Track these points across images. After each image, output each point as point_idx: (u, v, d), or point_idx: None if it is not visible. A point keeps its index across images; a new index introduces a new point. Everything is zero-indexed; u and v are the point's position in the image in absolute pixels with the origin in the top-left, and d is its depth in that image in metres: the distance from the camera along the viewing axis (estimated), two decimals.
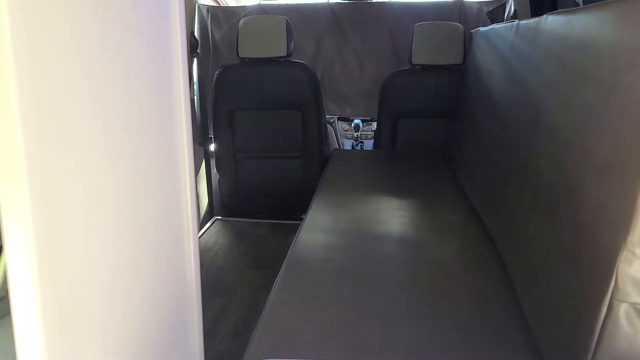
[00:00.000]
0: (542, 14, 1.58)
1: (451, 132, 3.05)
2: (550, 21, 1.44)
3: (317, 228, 2.00)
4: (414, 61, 3.19)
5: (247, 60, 3.22)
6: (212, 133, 3.42)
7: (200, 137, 3.40)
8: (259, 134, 3.35)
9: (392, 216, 2.10)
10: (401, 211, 2.17)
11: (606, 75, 1.00)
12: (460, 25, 3.21)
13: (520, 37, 1.79)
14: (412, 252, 1.76)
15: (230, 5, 3.85)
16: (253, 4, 3.90)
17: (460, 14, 3.69)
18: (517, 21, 1.88)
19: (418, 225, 2.02)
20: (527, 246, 1.39)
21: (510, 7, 3.15)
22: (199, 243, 3.12)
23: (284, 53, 3.15)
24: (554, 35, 1.39)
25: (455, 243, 1.84)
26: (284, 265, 1.68)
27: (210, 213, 3.57)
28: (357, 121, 4.21)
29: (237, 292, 2.45)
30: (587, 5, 1.25)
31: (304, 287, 1.55)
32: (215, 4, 3.85)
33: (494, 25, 2.40)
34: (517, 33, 1.84)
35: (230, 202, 3.54)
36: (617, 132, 0.91)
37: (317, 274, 1.61)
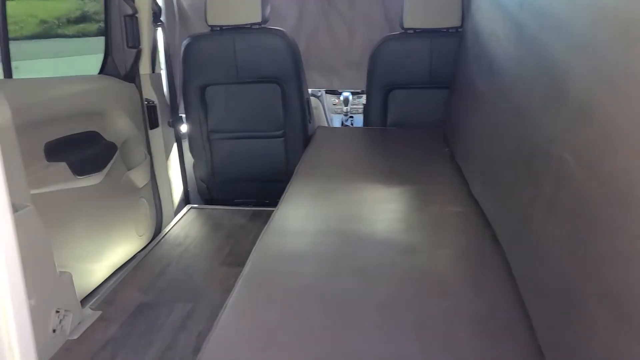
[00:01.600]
0: None
1: (448, 105, 2.70)
2: None
3: (286, 228, 1.68)
4: (406, 25, 2.82)
5: (218, 28, 2.85)
6: (184, 112, 3.08)
7: (169, 116, 3.05)
8: (235, 111, 3.01)
9: (378, 210, 1.78)
10: (389, 203, 1.84)
11: None
12: None
13: None
14: (399, 260, 1.44)
15: None
16: None
17: None
18: None
19: (408, 221, 1.70)
20: (545, 262, 1.06)
21: None
22: (170, 235, 2.84)
23: (258, 19, 2.79)
24: None
25: (452, 247, 1.52)
26: (239, 280, 1.36)
27: (185, 201, 3.25)
28: (346, 94, 3.86)
29: (205, 296, 2.15)
30: None
31: (258, 310, 1.24)
32: None
33: None
34: None
35: (207, 188, 3.22)
36: None
37: (275, 294, 1.30)
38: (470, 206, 1.76)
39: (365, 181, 2.09)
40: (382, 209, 1.78)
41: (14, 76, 2.27)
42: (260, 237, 1.61)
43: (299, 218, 1.76)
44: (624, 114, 0.80)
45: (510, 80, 1.54)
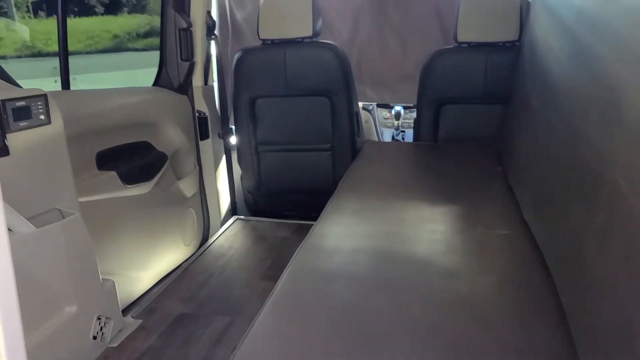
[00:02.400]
0: None
1: (503, 121, 2.58)
2: None
3: (323, 245, 1.63)
4: (460, 39, 2.73)
5: (269, 42, 2.87)
6: (233, 124, 3.11)
7: (220, 128, 3.10)
8: (283, 124, 3.01)
9: (420, 230, 1.70)
10: (432, 223, 1.75)
11: None
12: None
13: None
14: (438, 284, 1.36)
15: None
16: None
17: None
18: None
19: (451, 243, 1.61)
20: (598, 295, 0.97)
21: None
22: (215, 246, 2.86)
23: (309, 33, 2.78)
24: None
25: (497, 272, 1.42)
26: (270, 297, 1.33)
27: (231, 211, 3.28)
28: (398, 108, 3.78)
29: (243, 311, 2.13)
30: None
31: (285, 330, 1.20)
32: None
33: None
34: None
35: (253, 200, 3.23)
36: None
37: (304, 314, 1.25)
38: (520, 229, 1.65)
39: (410, 199, 2.02)
40: (424, 229, 1.70)
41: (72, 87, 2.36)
42: (295, 254, 1.58)
43: (337, 235, 1.71)
44: None
45: (565, 97, 1.44)
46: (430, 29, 3.37)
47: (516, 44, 2.65)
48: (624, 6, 1.06)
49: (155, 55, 2.83)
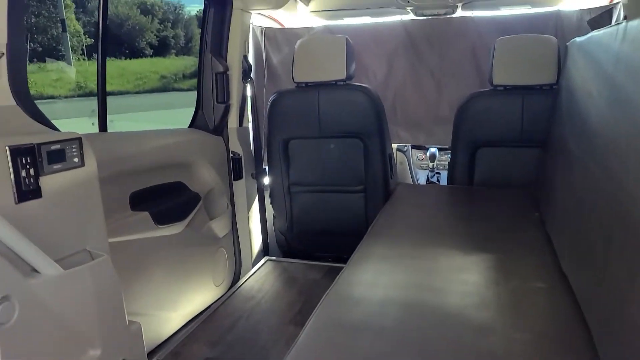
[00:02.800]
0: None
1: (541, 166, 2.50)
2: None
3: (349, 294, 1.58)
4: (495, 82, 2.69)
5: (303, 85, 2.90)
6: (267, 164, 3.13)
7: (253, 168, 3.12)
8: (316, 165, 3.00)
9: (451, 281, 1.63)
10: (465, 273, 1.68)
11: None
12: (553, 38, 2.66)
13: (629, 43, 1.28)
14: (469, 341, 1.28)
15: (293, 27, 3.58)
16: (319, 25, 3.59)
17: (557, 26, 3.09)
18: (624, 22, 1.36)
19: (484, 296, 1.53)
20: None
21: (619, 12, 2.56)
22: (245, 287, 2.83)
23: (342, 76, 2.80)
24: None
25: (532, 329, 1.33)
26: (292, 348, 1.28)
27: (263, 252, 3.26)
28: (433, 150, 3.73)
29: (270, 356, 2.08)
30: None
31: None
32: (277, 26, 3.59)
33: (594, 33, 1.87)
34: (625, 38, 1.33)
35: (285, 240, 3.21)
36: None
37: None
38: (558, 282, 1.56)
39: (441, 246, 1.95)
40: (456, 280, 1.63)
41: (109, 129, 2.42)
42: (321, 302, 1.53)
43: (365, 284, 1.66)
44: None
45: (604, 145, 1.37)
46: (466, 71, 3.34)
47: (554, 87, 2.58)
48: None
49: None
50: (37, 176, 1.47)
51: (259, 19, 3.38)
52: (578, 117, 1.75)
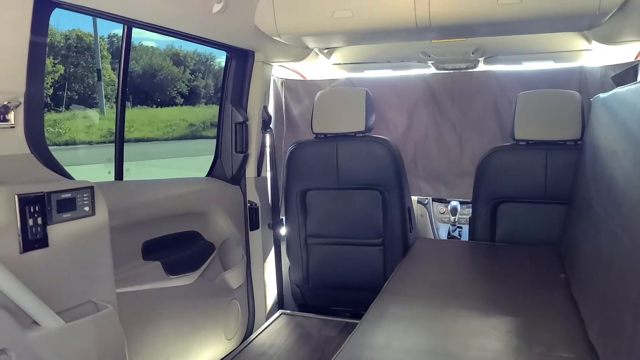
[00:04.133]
0: None
1: (566, 224, 2.40)
2: None
3: (360, 357, 1.49)
4: (517, 136, 2.64)
5: (322, 136, 2.90)
6: (284, 215, 3.10)
7: (270, 219, 3.09)
8: (334, 216, 2.95)
9: (469, 347, 1.53)
10: (483, 338, 1.58)
11: None
12: (576, 93, 2.62)
13: None
14: None
15: (315, 79, 3.62)
16: (340, 77, 3.63)
17: (580, 81, 3.05)
18: None
19: None
20: None
21: None
22: (257, 342, 2.74)
23: (362, 128, 2.79)
24: None
25: None
26: None
27: (278, 305, 3.18)
28: (454, 203, 3.65)
29: None
30: None
31: None
32: (299, 78, 3.64)
33: (618, 90, 1.81)
34: None
35: (301, 293, 3.13)
36: None
37: None
38: (584, 352, 1.44)
39: (460, 307, 1.85)
40: (474, 346, 1.53)
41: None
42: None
43: (377, 347, 1.57)
44: None
45: (631, 208, 1.29)
46: (488, 126, 3.30)
47: (578, 142, 2.52)
48: None
49: None
50: (44, 225, 1.46)
51: (280, 71, 3.44)
52: (603, 176, 1.68)
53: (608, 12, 2.09)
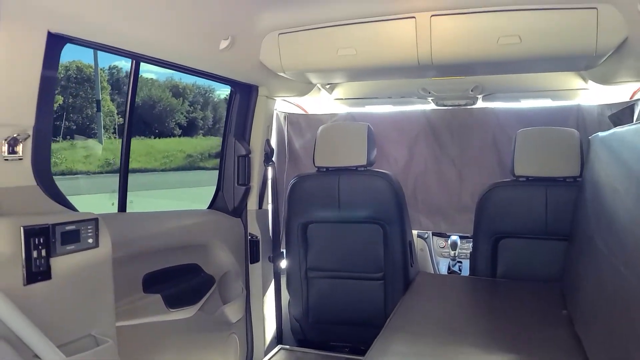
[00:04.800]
0: None
1: (567, 260, 2.40)
2: None
3: None
4: (517, 172, 2.67)
5: (324, 169, 2.92)
6: (285, 247, 3.09)
7: (271, 252, 3.08)
8: (335, 250, 2.95)
9: None
10: None
11: None
12: (575, 131, 2.66)
13: None
14: None
15: (317, 113, 3.67)
16: (342, 111, 3.69)
17: (578, 119, 3.11)
18: None
19: None
20: None
21: None
22: None
23: (363, 162, 2.82)
24: None
25: None
26: None
27: (277, 339, 3.14)
28: (454, 237, 3.66)
29: None
30: None
31: None
32: (301, 112, 3.69)
33: (617, 129, 1.85)
34: None
35: (300, 328, 3.09)
36: None
37: None
38: None
39: (463, 343, 1.84)
40: None
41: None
42: None
43: None
44: None
45: (634, 245, 1.31)
46: (487, 161, 3.34)
47: (577, 179, 2.55)
48: None
49: None
50: (48, 257, 1.46)
51: (283, 105, 3.49)
52: (604, 213, 1.70)
53: (604, 54, 2.15)
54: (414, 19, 2.26)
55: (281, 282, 3.15)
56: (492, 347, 1.81)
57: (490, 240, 2.72)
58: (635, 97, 2.88)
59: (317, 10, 2.28)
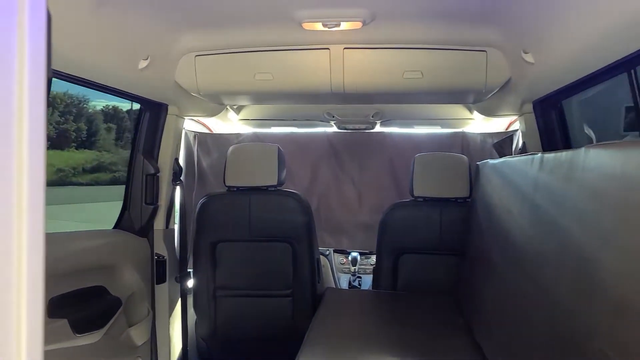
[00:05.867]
0: (556, 148, 1.31)
1: (460, 273, 2.68)
2: (595, 156, 1.15)
3: None
4: (416, 193, 2.93)
5: (235, 189, 2.95)
6: (192, 267, 3.05)
7: (177, 272, 3.02)
8: (244, 269, 2.98)
9: None
10: None
11: None
12: (464, 157, 2.99)
13: (547, 173, 1.50)
14: None
15: (222, 132, 3.69)
16: (247, 131, 3.74)
17: (463, 145, 3.51)
18: (540, 154, 1.61)
19: None
20: None
21: (518, 140, 2.96)
22: None
23: (274, 182, 2.90)
24: (605, 174, 1.09)
25: None
26: None
27: None
28: (354, 254, 3.86)
29: None
30: None
31: None
32: (206, 131, 3.69)
33: (507, 158, 2.15)
34: (542, 168, 1.56)
35: (207, 348, 3.06)
36: None
37: None
38: None
39: (377, 352, 2.00)
40: None
41: None
42: None
43: None
44: None
45: (532, 259, 1.54)
46: (384, 182, 3.60)
47: (467, 200, 2.86)
48: (585, 185, 1.20)
49: (100, 190, 2.82)
50: None
51: (189, 123, 3.46)
52: (499, 230, 1.96)
53: (491, 91, 2.47)
54: (328, 50, 2.41)
55: (188, 302, 3.09)
56: (403, 353, 1.97)
57: (392, 256, 2.94)
58: (511, 128, 3.31)
59: (235, 36, 2.34)
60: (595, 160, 1.14)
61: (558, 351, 1.23)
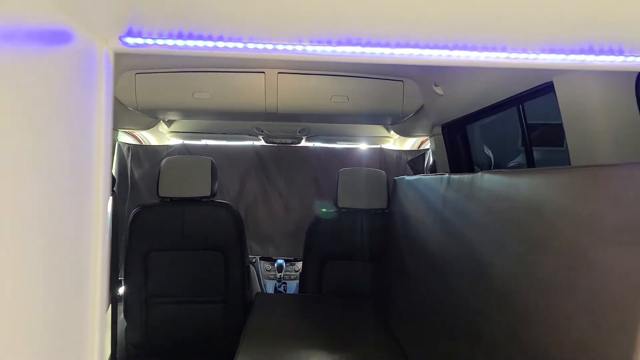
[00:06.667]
0: (461, 170, 1.61)
1: (378, 277, 2.98)
2: (488, 180, 1.46)
3: None
4: (340, 205, 3.20)
5: (168, 199, 3.06)
6: (123, 275, 3.11)
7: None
8: (177, 277, 3.09)
9: None
10: None
11: (569, 246, 0.96)
12: (383, 172, 3.31)
13: (453, 191, 1.81)
14: None
15: (153, 144, 3.77)
16: (176, 143, 3.84)
17: (381, 160, 3.85)
18: (447, 175, 1.92)
19: None
20: None
21: (429, 158, 3.33)
22: None
23: (207, 193, 3.04)
24: (495, 194, 1.40)
25: None
26: None
27: None
28: (280, 261, 4.07)
29: None
30: (532, 168, 1.27)
31: None
32: (136, 142, 3.74)
33: (421, 176, 2.47)
34: (449, 186, 1.87)
35: (138, 355, 3.13)
36: (594, 311, 0.85)
37: None
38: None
39: (311, 349, 2.22)
40: None
41: None
42: None
43: None
44: (542, 307, 1.07)
45: (440, 264, 1.84)
46: (308, 193, 3.86)
47: (385, 211, 3.17)
48: (482, 203, 1.51)
49: None
50: None
51: (122, 135, 3.51)
52: (414, 239, 2.27)
53: (407, 115, 2.80)
54: (263, 74, 2.62)
55: (118, 310, 3.14)
56: (332, 349, 2.22)
57: (318, 262, 3.19)
58: (423, 146, 3.70)
59: (176, 57, 2.47)
60: (488, 183, 1.45)
61: (460, 336, 1.53)
